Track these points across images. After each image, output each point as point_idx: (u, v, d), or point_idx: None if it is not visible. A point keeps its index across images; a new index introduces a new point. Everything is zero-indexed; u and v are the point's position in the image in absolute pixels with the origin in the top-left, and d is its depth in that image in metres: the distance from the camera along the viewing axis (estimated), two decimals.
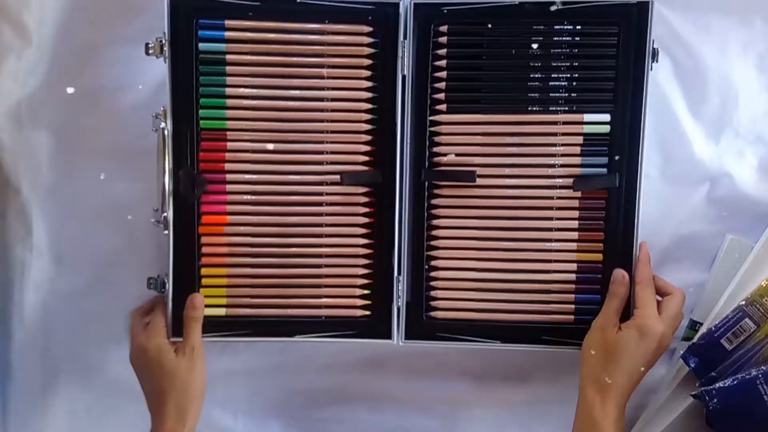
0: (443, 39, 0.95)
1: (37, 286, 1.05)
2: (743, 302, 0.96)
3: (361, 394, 1.06)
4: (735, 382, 0.92)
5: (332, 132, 0.96)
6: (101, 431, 1.07)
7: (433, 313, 0.99)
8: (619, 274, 0.94)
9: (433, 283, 0.98)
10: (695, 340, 0.98)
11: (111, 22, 1.00)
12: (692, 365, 0.97)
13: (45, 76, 1.01)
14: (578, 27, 0.94)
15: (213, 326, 0.97)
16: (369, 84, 0.95)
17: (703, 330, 0.98)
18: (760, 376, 0.91)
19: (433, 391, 1.05)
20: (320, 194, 0.97)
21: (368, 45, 0.95)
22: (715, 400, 0.93)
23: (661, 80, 1.00)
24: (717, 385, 0.93)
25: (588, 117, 0.95)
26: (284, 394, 1.06)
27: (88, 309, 1.05)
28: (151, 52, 0.93)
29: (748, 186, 1.01)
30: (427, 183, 0.97)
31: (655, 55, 0.93)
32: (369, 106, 0.96)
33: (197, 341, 0.95)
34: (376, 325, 0.98)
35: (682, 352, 0.98)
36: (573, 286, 0.97)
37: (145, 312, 0.98)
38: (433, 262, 0.98)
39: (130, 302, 1.00)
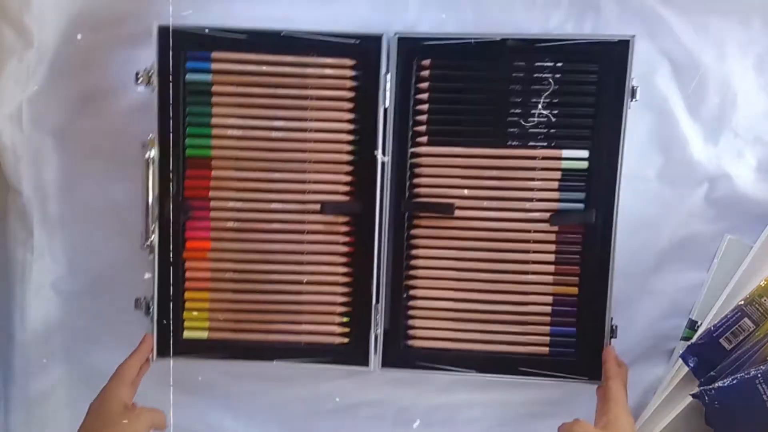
0: (425, 73, 0.96)
1: (38, 287, 1.06)
2: (742, 302, 0.97)
3: (361, 398, 1.07)
4: (734, 382, 0.93)
5: (314, 162, 0.98)
6: None
7: (411, 342, 1.00)
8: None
9: (411, 312, 1.00)
10: (694, 339, 0.99)
11: (112, 24, 1.01)
12: (691, 365, 0.98)
13: (46, 77, 1.02)
14: (559, 64, 0.95)
15: (195, 348, 0.99)
16: (351, 116, 0.97)
17: (702, 330, 0.99)
18: (759, 375, 0.92)
19: (434, 392, 1.06)
20: (302, 222, 0.98)
21: (351, 78, 0.96)
22: (715, 399, 0.94)
23: (659, 81, 1.01)
24: (716, 384, 0.94)
25: (566, 153, 0.96)
26: (285, 397, 1.08)
27: (90, 310, 1.07)
28: (140, 81, 0.95)
29: (746, 186, 1.02)
30: (407, 214, 0.98)
31: (634, 93, 0.94)
32: (351, 137, 0.97)
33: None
34: (354, 352, 1.00)
35: (681, 352, 0.99)
36: (549, 318, 0.99)
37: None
38: (412, 292, 1.00)
39: (132, 303, 1.00)
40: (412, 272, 0.99)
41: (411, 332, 1.00)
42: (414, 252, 0.99)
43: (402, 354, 1.00)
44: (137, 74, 0.95)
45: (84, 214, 1.05)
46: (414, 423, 1.08)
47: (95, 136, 1.04)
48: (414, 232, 0.99)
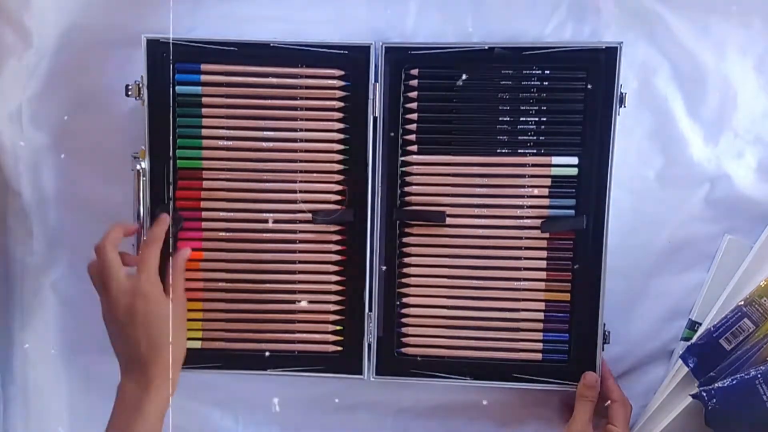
0: (414, 82, 0.97)
1: (37, 288, 1.07)
2: (742, 302, 0.96)
3: (361, 399, 1.07)
4: (734, 382, 0.93)
5: (305, 171, 0.98)
6: None
7: (404, 350, 1.00)
8: (593, 378, 0.96)
9: (404, 320, 1.00)
10: (694, 340, 0.98)
11: (111, 24, 1.02)
12: (691, 365, 0.97)
13: (45, 78, 1.03)
14: (547, 71, 0.95)
15: (188, 358, 0.99)
16: (341, 126, 0.97)
17: (702, 330, 0.99)
18: (759, 376, 0.92)
19: (433, 393, 1.06)
20: (293, 232, 0.99)
21: (340, 88, 0.97)
22: (714, 400, 0.93)
23: (659, 82, 1.01)
24: (716, 385, 0.94)
25: (556, 159, 0.96)
26: (285, 398, 1.08)
27: (89, 311, 1.04)
28: (130, 93, 0.96)
29: (746, 186, 1.02)
30: (398, 222, 0.99)
31: (622, 100, 0.94)
32: (341, 146, 0.97)
33: (183, 290, 0.95)
34: (347, 361, 1.00)
35: (681, 352, 0.99)
36: (541, 324, 0.99)
37: (117, 241, 0.93)
38: (405, 299, 1.00)
39: None
40: (405, 280, 0.99)
41: (404, 340, 1.00)
42: (406, 260, 0.99)
43: (395, 362, 1.00)
44: (127, 87, 0.96)
45: (84, 215, 1.05)
46: (413, 424, 1.08)
47: (95, 137, 1.04)
48: (406, 240, 0.99)
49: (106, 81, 1.02)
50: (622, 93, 0.94)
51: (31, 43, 1.01)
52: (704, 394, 0.94)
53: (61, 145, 1.04)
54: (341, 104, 0.97)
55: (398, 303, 1.00)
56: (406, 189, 0.98)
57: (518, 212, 0.97)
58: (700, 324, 1.01)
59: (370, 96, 0.96)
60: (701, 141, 1.02)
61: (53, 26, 1.02)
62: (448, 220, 0.98)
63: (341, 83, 0.97)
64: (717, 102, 1.01)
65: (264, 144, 0.98)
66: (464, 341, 1.00)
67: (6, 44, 1.01)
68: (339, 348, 1.01)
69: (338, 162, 0.98)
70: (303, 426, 1.09)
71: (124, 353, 0.90)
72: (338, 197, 0.98)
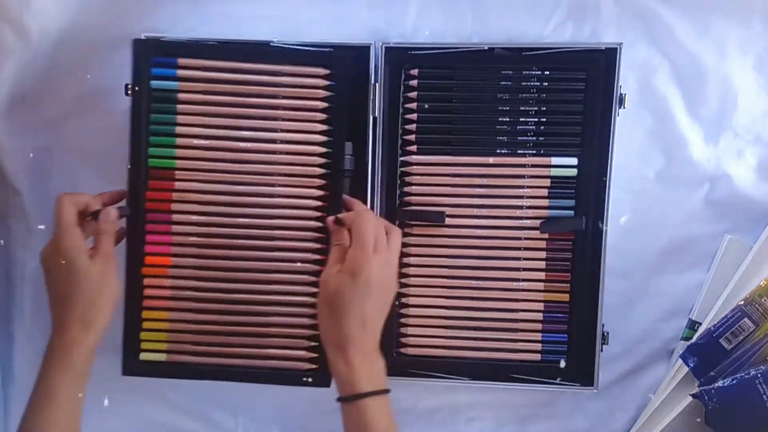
0: (414, 82, 0.96)
1: (37, 288, 1.06)
2: (742, 302, 0.97)
3: None
4: (734, 382, 0.94)
5: (284, 175, 0.94)
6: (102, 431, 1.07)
7: (403, 350, 1.00)
8: (330, 221, 0.90)
9: (403, 320, 1.00)
10: (694, 339, 0.99)
11: (111, 24, 1.01)
12: (691, 365, 0.98)
13: (45, 77, 1.02)
14: (546, 72, 0.95)
15: (154, 370, 0.97)
16: (324, 127, 0.94)
17: (702, 330, 1.00)
18: (759, 375, 0.93)
19: (433, 393, 1.06)
20: (271, 239, 0.95)
21: (324, 87, 0.94)
22: (714, 399, 0.94)
23: (659, 81, 1.01)
24: (716, 384, 0.95)
25: (555, 160, 0.96)
26: (285, 397, 1.08)
27: None
28: (129, 93, 0.94)
29: (746, 186, 1.02)
30: (398, 222, 0.98)
31: (622, 100, 0.94)
32: (323, 149, 0.94)
33: (111, 249, 0.87)
34: (323, 377, 0.97)
35: (681, 352, 1.00)
36: (540, 325, 0.99)
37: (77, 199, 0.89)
38: (404, 300, 1.00)
39: None
40: (404, 280, 0.99)
41: (403, 340, 1.00)
42: (405, 260, 0.99)
43: (394, 362, 1.00)
44: (127, 86, 0.94)
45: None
46: (413, 424, 1.08)
47: (95, 136, 1.04)
48: (405, 240, 0.99)
49: (105, 81, 1.02)
50: (621, 94, 0.94)
51: (31, 43, 1.01)
52: (704, 394, 0.95)
53: (61, 145, 1.04)
54: (324, 105, 0.94)
55: (398, 303, 1.00)
56: (406, 189, 0.98)
57: (518, 213, 0.97)
58: (700, 324, 1.01)
59: (370, 96, 0.96)
60: (701, 141, 1.02)
61: (53, 26, 1.01)
62: (448, 221, 0.98)
63: (325, 83, 0.93)
64: (717, 102, 1.01)
65: (241, 144, 0.94)
66: (464, 341, 1.00)
67: (6, 44, 1.01)
68: (314, 366, 0.96)
69: (320, 166, 0.94)
70: (302, 426, 1.09)
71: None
72: (318, 203, 0.95)
